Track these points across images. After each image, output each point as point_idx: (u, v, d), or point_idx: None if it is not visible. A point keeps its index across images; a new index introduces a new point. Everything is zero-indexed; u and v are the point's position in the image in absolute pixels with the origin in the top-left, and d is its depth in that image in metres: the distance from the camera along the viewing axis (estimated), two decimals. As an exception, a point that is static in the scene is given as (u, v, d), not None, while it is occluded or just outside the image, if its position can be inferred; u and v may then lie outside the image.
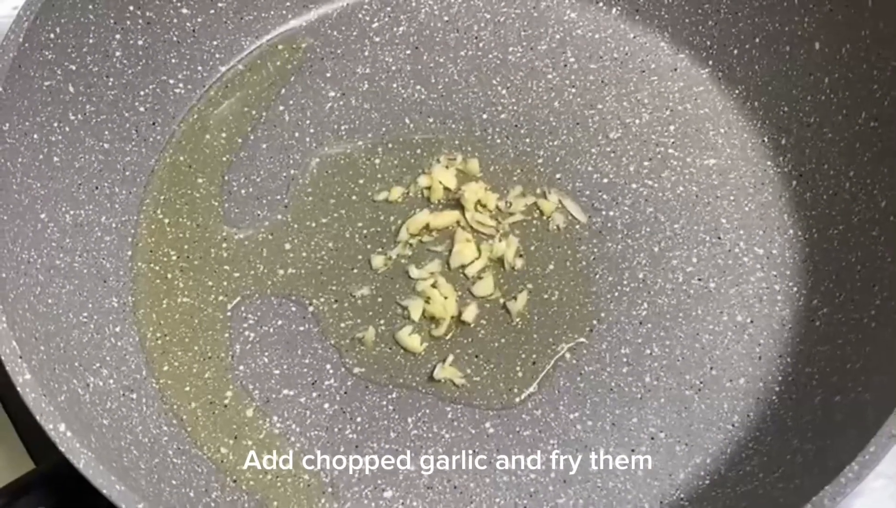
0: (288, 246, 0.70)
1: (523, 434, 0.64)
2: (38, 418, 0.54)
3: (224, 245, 0.70)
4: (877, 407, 0.55)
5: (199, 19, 0.74)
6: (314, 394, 0.66)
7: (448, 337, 0.67)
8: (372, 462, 0.64)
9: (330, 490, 0.63)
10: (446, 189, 0.71)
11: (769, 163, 0.72)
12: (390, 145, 0.73)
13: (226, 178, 0.72)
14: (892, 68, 0.64)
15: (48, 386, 0.56)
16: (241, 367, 0.66)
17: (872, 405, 0.56)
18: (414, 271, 0.69)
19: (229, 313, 0.68)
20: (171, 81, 0.74)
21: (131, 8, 0.71)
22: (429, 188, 0.71)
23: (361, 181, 0.72)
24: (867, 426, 0.54)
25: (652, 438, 0.64)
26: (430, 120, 0.74)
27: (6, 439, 0.67)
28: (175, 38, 0.73)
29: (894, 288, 0.62)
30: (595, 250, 0.69)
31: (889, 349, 0.60)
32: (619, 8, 0.77)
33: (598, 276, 0.69)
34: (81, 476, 0.53)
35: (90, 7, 0.68)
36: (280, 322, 0.68)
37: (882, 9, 0.65)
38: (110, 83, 0.70)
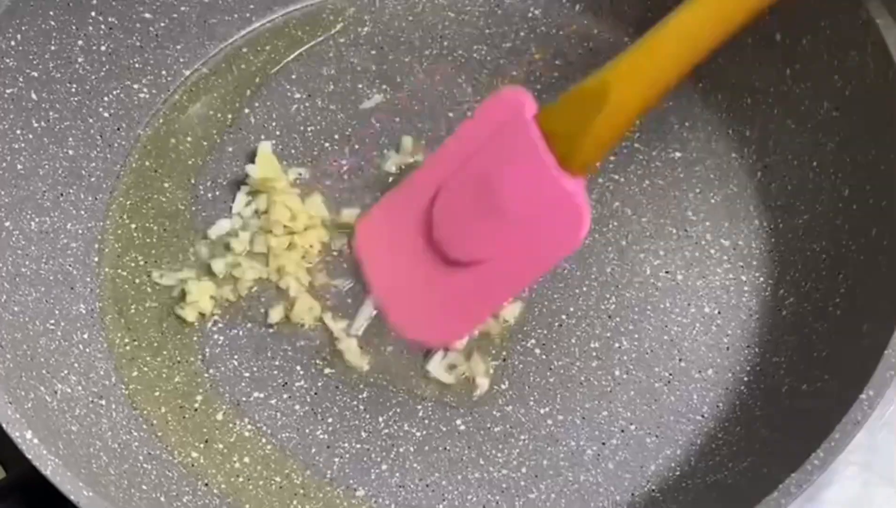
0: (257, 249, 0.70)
1: (494, 430, 0.64)
2: (4, 425, 0.54)
3: (191, 249, 0.70)
4: (843, 394, 0.55)
5: (163, 24, 0.74)
6: (285, 396, 0.66)
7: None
8: (343, 463, 0.64)
9: (302, 491, 0.63)
10: None
11: (734, 155, 0.72)
12: (356, 147, 0.73)
13: (192, 182, 0.72)
14: (851, 58, 0.65)
15: (15, 393, 0.56)
16: (211, 371, 0.66)
17: (838, 393, 0.57)
18: None
19: (197, 317, 0.68)
20: (136, 87, 0.73)
21: (93, 14, 0.70)
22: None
23: (328, 183, 0.72)
24: (833, 414, 0.55)
25: (622, 431, 0.64)
26: (397, 120, 0.74)
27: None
28: (138, 43, 0.73)
29: (859, 276, 0.63)
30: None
31: (855, 336, 0.60)
32: (583, 4, 0.78)
33: (565, 271, 0.69)
34: (51, 483, 0.53)
35: (52, 13, 0.67)
36: (249, 325, 0.67)
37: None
38: (74, 89, 0.70)
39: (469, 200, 0.58)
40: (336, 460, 0.64)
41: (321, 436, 0.65)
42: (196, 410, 0.65)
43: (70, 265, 0.68)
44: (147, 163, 0.73)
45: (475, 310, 0.61)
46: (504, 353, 0.66)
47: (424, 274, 0.61)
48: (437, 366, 0.66)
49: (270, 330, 0.67)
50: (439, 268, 0.60)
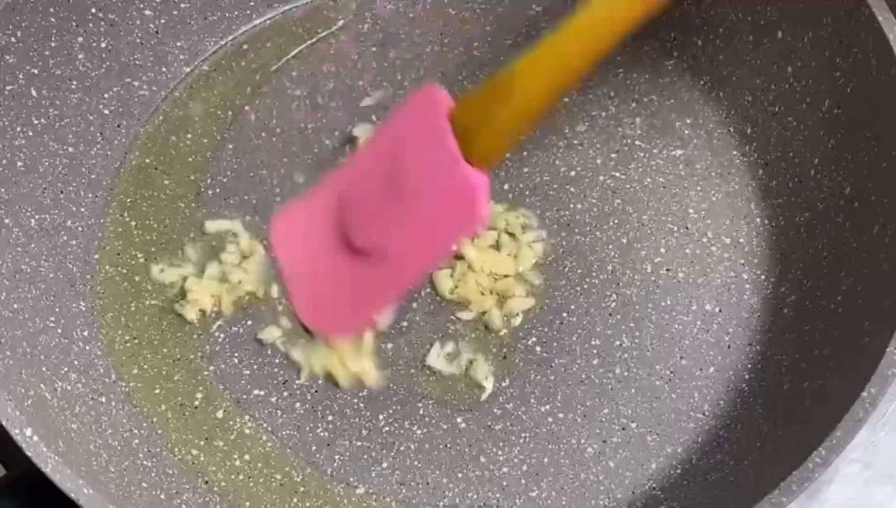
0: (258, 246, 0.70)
1: (495, 429, 0.64)
2: (3, 422, 0.53)
3: (191, 247, 0.70)
4: (844, 392, 0.55)
5: (163, 20, 0.74)
6: (285, 394, 0.65)
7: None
8: (344, 460, 0.64)
9: (302, 488, 0.63)
10: None
11: (735, 152, 0.72)
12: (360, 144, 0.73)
13: (192, 179, 0.72)
14: (853, 55, 0.65)
15: (14, 391, 0.56)
16: (212, 368, 0.66)
17: (840, 391, 0.57)
18: None
19: (198, 315, 0.68)
20: (136, 83, 0.73)
21: (93, 10, 0.70)
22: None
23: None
24: (835, 411, 0.55)
25: (623, 429, 0.64)
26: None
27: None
28: (139, 40, 0.73)
29: (860, 274, 0.63)
30: (563, 242, 0.69)
31: (856, 334, 0.60)
32: (584, 1, 0.77)
33: (566, 268, 0.69)
34: (52, 481, 0.53)
35: (52, 10, 0.67)
36: (249, 323, 0.67)
37: (842, -4, 0.65)
38: (74, 86, 0.70)
39: (376, 186, 0.62)
40: (336, 457, 0.64)
41: (321, 434, 0.64)
42: (196, 407, 0.65)
43: (70, 263, 0.68)
44: (147, 160, 0.73)
45: (375, 299, 0.64)
46: (505, 351, 0.66)
47: (333, 266, 0.64)
48: (436, 358, 0.66)
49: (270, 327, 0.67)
50: (347, 259, 0.63)
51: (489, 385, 0.65)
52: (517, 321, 0.67)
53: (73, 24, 0.69)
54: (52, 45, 0.68)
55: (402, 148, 0.61)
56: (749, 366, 0.66)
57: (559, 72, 0.56)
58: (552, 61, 0.56)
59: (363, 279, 0.63)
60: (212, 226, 0.70)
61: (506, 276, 0.68)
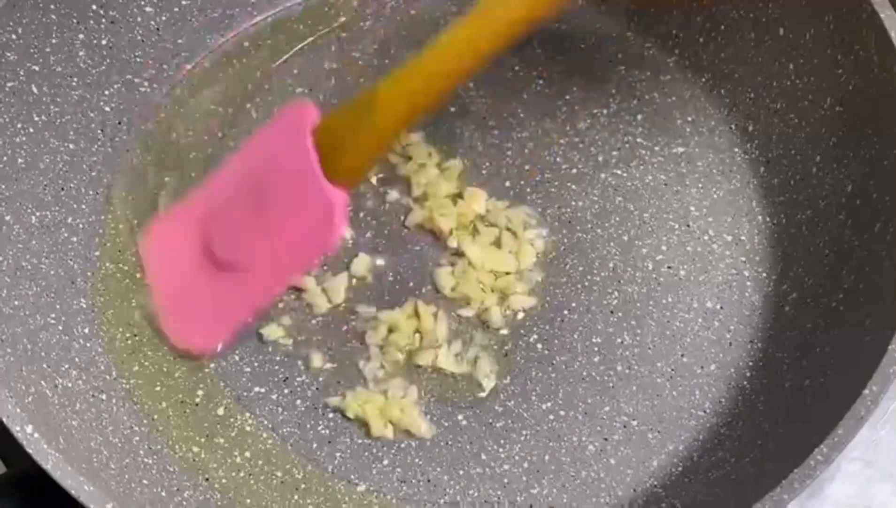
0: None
1: (496, 426, 0.64)
2: (4, 419, 0.53)
3: (192, 244, 0.70)
4: (846, 390, 0.55)
5: (164, 17, 0.74)
6: (286, 391, 0.65)
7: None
8: (345, 458, 0.64)
9: (303, 486, 0.63)
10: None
11: (737, 150, 0.72)
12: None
13: (193, 176, 0.72)
14: (855, 52, 0.65)
15: (15, 388, 0.56)
16: (212, 365, 0.66)
17: (841, 389, 0.57)
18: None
19: (199, 311, 0.68)
20: (137, 80, 0.73)
21: (94, 7, 0.70)
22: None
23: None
24: (836, 409, 0.55)
25: (624, 426, 0.64)
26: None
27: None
28: (139, 37, 0.73)
29: (862, 272, 0.63)
30: (565, 239, 0.69)
31: (858, 332, 0.60)
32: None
33: (567, 266, 0.69)
34: (52, 478, 0.53)
35: (52, 7, 0.67)
36: (249, 319, 0.67)
37: (844, -7, 0.65)
38: (75, 83, 0.69)
39: (239, 200, 0.62)
40: (337, 455, 0.64)
41: (322, 431, 0.64)
42: (197, 405, 0.65)
43: (71, 260, 0.68)
44: (148, 157, 0.72)
45: (236, 311, 0.64)
46: (506, 348, 0.66)
47: (197, 280, 0.64)
48: (444, 357, 0.65)
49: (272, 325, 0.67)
50: (211, 273, 0.64)
51: (490, 383, 0.65)
52: (518, 318, 0.67)
53: (74, 21, 0.69)
54: (53, 42, 0.68)
55: (266, 163, 0.62)
56: (750, 364, 0.65)
57: (422, 93, 0.58)
58: (415, 82, 0.58)
59: (225, 292, 0.64)
60: None
61: (507, 273, 0.68)
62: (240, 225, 0.63)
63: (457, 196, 0.70)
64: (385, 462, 0.63)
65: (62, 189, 0.68)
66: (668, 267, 0.69)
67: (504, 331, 0.67)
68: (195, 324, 0.66)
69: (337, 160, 0.58)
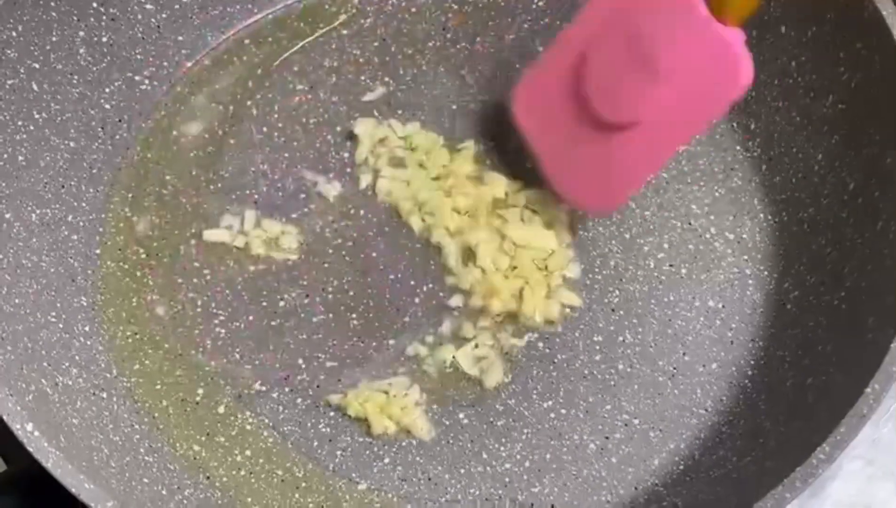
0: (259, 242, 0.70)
1: (497, 424, 0.64)
2: (4, 417, 0.53)
3: (193, 242, 0.70)
4: (848, 388, 0.55)
5: (164, 15, 0.73)
6: (286, 389, 0.65)
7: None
8: (346, 456, 0.64)
9: (304, 484, 0.63)
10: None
11: (738, 148, 0.72)
12: (360, 139, 0.73)
13: (194, 174, 0.72)
14: (857, 50, 0.65)
15: (15, 386, 0.56)
16: (213, 363, 0.66)
17: (843, 387, 0.57)
18: None
19: (199, 310, 0.68)
20: (137, 78, 0.73)
21: (95, 5, 0.70)
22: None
23: (331, 175, 0.72)
24: (838, 408, 0.54)
25: (626, 425, 0.64)
26: (399, 112, 0.74)
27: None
28: (140, 35, 0.73)
29: (864, 270, 0.63)
30: (567, 238, 0.69)
31: (860, 330, 0.60)
32: (588, -4, 0.77)
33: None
34: (52, 476, 0.53)
35: (53, 4, 0.67)
36: (251, 318, 0.67)
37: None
38: (75, 81, 0.69)
39: (621, 58, 0.58)
40: (338, 453, 0.64)
41: (323, 429, 0.64)
42: (197, 403, 0.65)
43: (71, 258, 0.67)
44: (149, 155, 0.72)
45: (633, 174, 0.62)
46: (507, 347, 0.66)
47: (582, 138, 0.61)
48: (465, 356, 0.65)
49: (272, 323, 0.67)
50: (596, 131, 0.61)
51: (492, 382, 0.65)
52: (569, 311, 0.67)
53: (75, 18, 0.69)
54: (54, 39, 0.68)
55: (644, 14, 0.57)
56: (752, 362, 0.65)
57: None
58: None
59: (616, 153, 0.60)
60: (209, 235, 0.70)
61: (552, 252, 0.68)
62: (623, 82, 0.59)
63: (476, 179, 0.70)
64: (386, 461, 0.63)
65: (63, 187, 0.68)
66: (670, 265, 0.68)
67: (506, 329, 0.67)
68: (589, 184, 0.64)
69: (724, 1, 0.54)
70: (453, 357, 0.66)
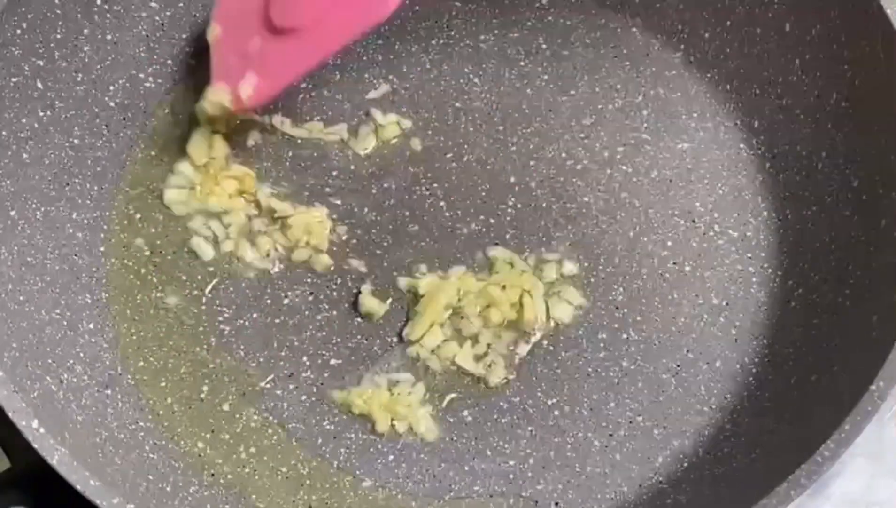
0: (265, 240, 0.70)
1: (501, 422, 0.64)
2: (10, 414, 0.53)
3: (195, 240, 0.70)
4: (852, 386, 0.55)
5: (168, 13, 0.73)
6: (291, 386, 0.65)
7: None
8: (350, 453, 0.64)
9: (308, 481, 0.63)
10: None
11: (742, 146, 0.72)
12: (363, 136, 0.73)
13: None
14: (861, 48, 0.65)
15: (21, 383, 0.56)
16: (218, 361, 0.66)
17: (848, 384, 0.57)
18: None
19: (204, 307, 0.68)
20: (141, 76, 0.73)
21: (99, 2, 0.70)
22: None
23: (335, 173, 0.72)
24: (843, 405, 0.55)
25: (630, 422, 0.64)
26: (403, 109, 0.74)
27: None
28: (144, 33, 0.73)
29: (868, 267, 0.63)
30: (570, 235, 0.69)
31: (863, 327, 0.60)
32: None
33: (573, 262, 0.69)
34: (57, 473, 0.53)
35: (57, 2, 0.67)
36: (255, 315, 0.67)
37: (851, -12, 0.65)
38: (79, 78, 0.69)
39: None
40: (342, 450, 0.64)
41: (327, 426, 0.64)
42: (202, 400, 0.65)
43: (76, 255, 0.67)
44: (152, 152, 0.72)
45: (288, 71, 0.68)
46: (511, 346, 0.66)
47: (254, 36, 0.68)
48: (465, 357, 0.65)
49: (277, 320, 0.67)
50: (269, 34, 0.67)
51: (496, 379, 0.65)
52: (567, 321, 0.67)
53: (79, 16, 0.69)
54: (58, 37, 0.68)
55: None
56: (756, 360, 0.65)
57: None
58: None
59: (280, 51, 0.67)
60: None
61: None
62: None
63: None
64: (391, 458, 0.63)
65: (67, 185, 0.68)
66: (674, 263, 0.68)
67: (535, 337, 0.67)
68: (247, 76, 0.68)
69: None
70: (454, 356, 0.66)
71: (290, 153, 0.72)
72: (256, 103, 0.69)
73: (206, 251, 0.69)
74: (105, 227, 0.70)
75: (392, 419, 0.64)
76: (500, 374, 0.65)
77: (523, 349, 0.66)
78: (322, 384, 0.65)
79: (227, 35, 0.69)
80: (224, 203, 0.70)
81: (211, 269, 0.69)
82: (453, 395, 0.65)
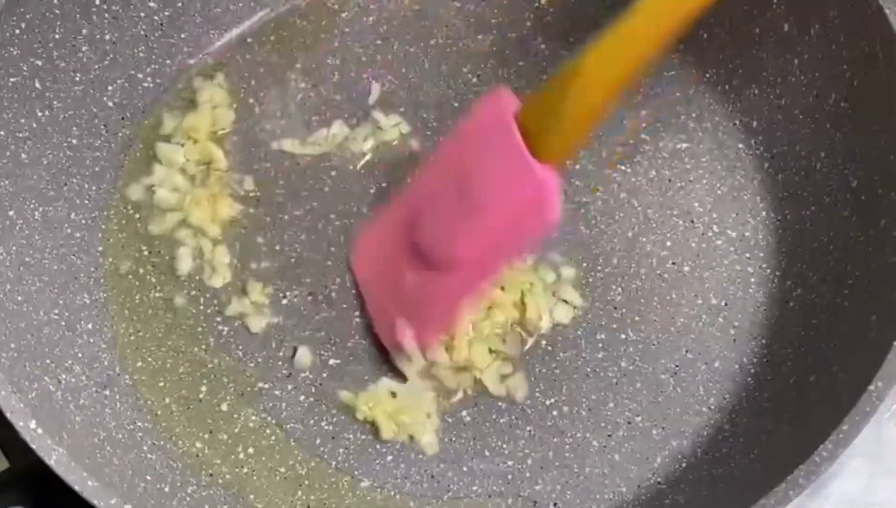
0: (261, 239, 0.70)
1: (500, 422, 0.64)
2: (7, 415, 0.53)
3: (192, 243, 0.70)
4: (851, 386, 0.55)
5: (167, 13, 0.73)
6: (289, 386, 0.65)
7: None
8: (348, 453, 0.64)
9: (307, 481, 0.63)
10: None
11: (741, 146, 0.72)
12: (362, 136, 0.73)
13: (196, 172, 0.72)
14: (860, 48, 0.65)
15: (19, 383, 0.56)
16: (216, 361, 0.66)
17: (847, 385, 0.57)
18: None
19: (202, 308, 0.68)
20: (140, 76, 0.73)
21: (97, 2, 0.70)
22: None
23: (334, 173, 0.72)
24: (841, 406, 0.55)
25: (628, 422, 0.64)
26: (402, 109, 0.74)
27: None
28: (142, 33, 0.73)
29: (866, 268, 0.63)
30: (568, 236, 0.69)
31: (862, 328, 0.60)
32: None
33: (571, 262, 0.68)
34: (55, 473, 0.53)
35: (55, 2, 0.67)
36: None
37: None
38: (77, 78, 0.69)
39: (447, 196, 0.61)
40: (341, 450, 0.64)
41: (326, 427, 0.64)
42: (200, 400, 0.65)
43: (74, 255, 0.67)
44: (151, 153, 0.72)
45: (449, 307, 0.63)
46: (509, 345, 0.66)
47: (407, 278, 0.63)
48: (490, 377, 0.65)
49: (275, 320, 0.67)
50: (421, 271, 0.63)
51: (500, 390, 0.65)
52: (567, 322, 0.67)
53: (77, 16, 0.69)
54: (56, 37, 0.68)
55: (472, 155, 0.60)
56: (755, 360, 0.65)
57: (627, 60, 0.55)
58: (622, 50, 0.54)
59: (439, 288, 0.62)
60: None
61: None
62: (449, 220, 0.61)
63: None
64: (389, 458, 0.63)
65: (65, 185, 0.68)
66: (673, 263, 0.68)
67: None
68: (413, 323, 0.64)
69: (545, 142, 0.56)
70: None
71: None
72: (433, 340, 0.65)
73: (185, 264, 0.69)
74: (103, 227, 0.70)
75: (396, 429, 0.64)
76: (522, 391, 0.65)
77: (527, 348, 0.66)
78: (321, 384, 0.65)
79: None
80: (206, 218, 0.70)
81: (209, 269, 0.69)
82: (452, 395, 0.65)
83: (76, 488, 0.52)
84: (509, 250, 0.62)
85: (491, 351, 0.65)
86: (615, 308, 0.67)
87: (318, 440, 0.64)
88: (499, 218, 0.59)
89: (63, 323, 0.64)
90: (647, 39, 0.54)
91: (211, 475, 0.63)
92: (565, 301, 0.67)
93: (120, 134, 0.72)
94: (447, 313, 0.63)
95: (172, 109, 0.73)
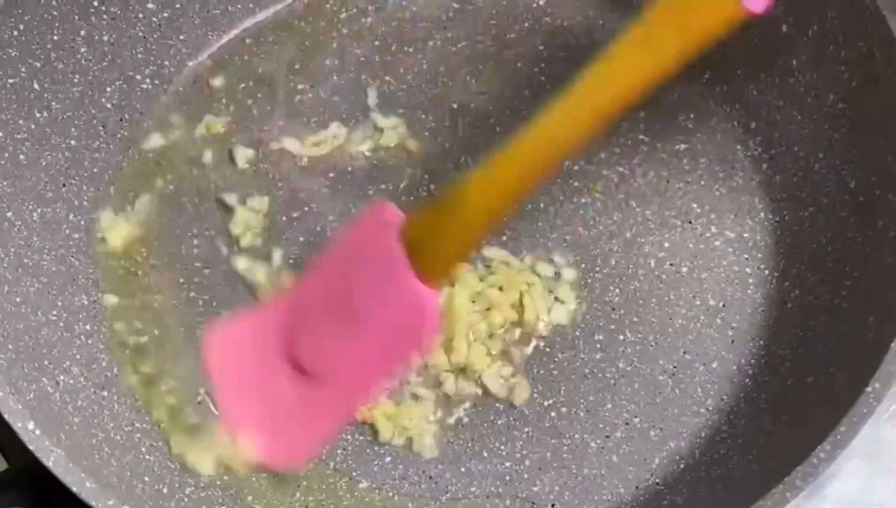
0: (259, 242, 0.70)
1: (498, 423, 0.64)
2: (5, 416, 0.53)
3: (195, 241, 0.70)
4: (849, 387, 0.55)
5: (165, 14, 0.73)
6: (288, 388, 0.65)
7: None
8: (346, 454, 0.64)
9: (305, 482, 0.63)
10: None
11: (739, 147, 0.72)
12: (361, 138, 0.73)
13: (195, 173, 0.72)
14: (859, 49, 0.65)
15: (17, 384, 0.56)
16: (215, 362, 0.66)
17: (845, 386, 0.56)
18: None
19: (201, 310, 0.68)
20: (138, 77, 0.73)
21: (96, 3, 0.70)
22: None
23: (332, 174, 0.72)
24: (839, 407, 0.54)
25: (626, 423, 0.64)
26: (400, 111, 0.74)
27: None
28: (141, 34, 0.73)
29: (865, 269, 0.63)
30: (567, 236, 0.69)
31: (860, 328, 0.60)
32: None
33: (569, 263, 0.69)
34: (54, 474, 0.53)
35: (54, 3, 0.67)
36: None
37: (848, -11, 0.65)
38: (76, 80, 0.69)
39: (327, 309, 0.60)
40: (339, 451, 0.64)
41: (324, 428, 0.64)
42: (199, 402, 0.65)
43: (72, 257, 0.67)
44: (150, 155, 0.72)
45: (325, 422, 0.61)
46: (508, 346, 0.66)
47: (276, 388, 0.61)
48: (491, 378, 0.65)
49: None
50: (293, 383, 0.61)
51: (502, 392, 0.65)
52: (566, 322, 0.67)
53: (76, 17, 0.69)
54: (55, 38, 0.68)
55: (352, 268, 0.59)
56: (753, 361, 0.65)
57: (514, 184, 0.54)
58: (507, 173, 0.54)
59: (311, 402, 0.61)
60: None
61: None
62: (327, 332, 0.60)
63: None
64: (387, 459, 0.63)
65: (64, 186, 0.68)
66: (671, 264, 0.68)
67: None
68: (279, 438, 0.62)
69: (427, 260, 0.55)
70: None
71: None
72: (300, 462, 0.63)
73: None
74: (102, 228, 0.70)
75: (395, 431, 0.64)
76: (524, 394, 0.65)
77: (527, 350, 0.66)
78: (318, 385, 0.65)
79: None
80: None
81: (208, 271, 0.69)
82: (449, 395, 0.65)
83: (74, 489, 0.52)
84: (388, 368, 0.60)
85: (489, 353, 0.65)
86: (613, 309, 0.67)
87: (317, 441, 0.64)
88: (376, 334, 0.58)
89: (61, 324, 0.64)
90: (533, 164, 0.54)
91: (209, 476, 0.63)
92: (563, 302, 0.67)
93: (118, 135, 0.72)
94: (321, 427, 0.61)
95: (171, 110, 0.73)
